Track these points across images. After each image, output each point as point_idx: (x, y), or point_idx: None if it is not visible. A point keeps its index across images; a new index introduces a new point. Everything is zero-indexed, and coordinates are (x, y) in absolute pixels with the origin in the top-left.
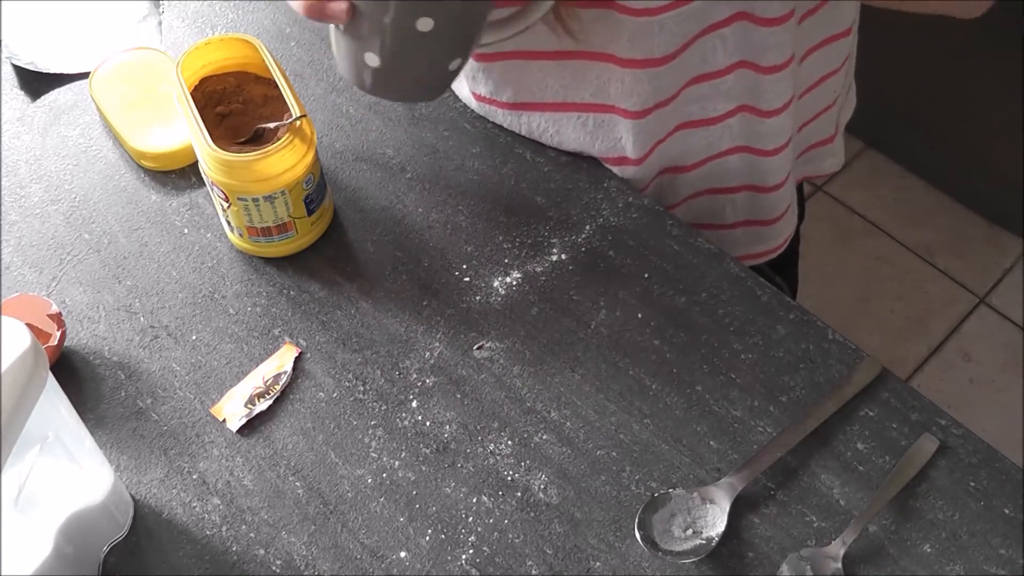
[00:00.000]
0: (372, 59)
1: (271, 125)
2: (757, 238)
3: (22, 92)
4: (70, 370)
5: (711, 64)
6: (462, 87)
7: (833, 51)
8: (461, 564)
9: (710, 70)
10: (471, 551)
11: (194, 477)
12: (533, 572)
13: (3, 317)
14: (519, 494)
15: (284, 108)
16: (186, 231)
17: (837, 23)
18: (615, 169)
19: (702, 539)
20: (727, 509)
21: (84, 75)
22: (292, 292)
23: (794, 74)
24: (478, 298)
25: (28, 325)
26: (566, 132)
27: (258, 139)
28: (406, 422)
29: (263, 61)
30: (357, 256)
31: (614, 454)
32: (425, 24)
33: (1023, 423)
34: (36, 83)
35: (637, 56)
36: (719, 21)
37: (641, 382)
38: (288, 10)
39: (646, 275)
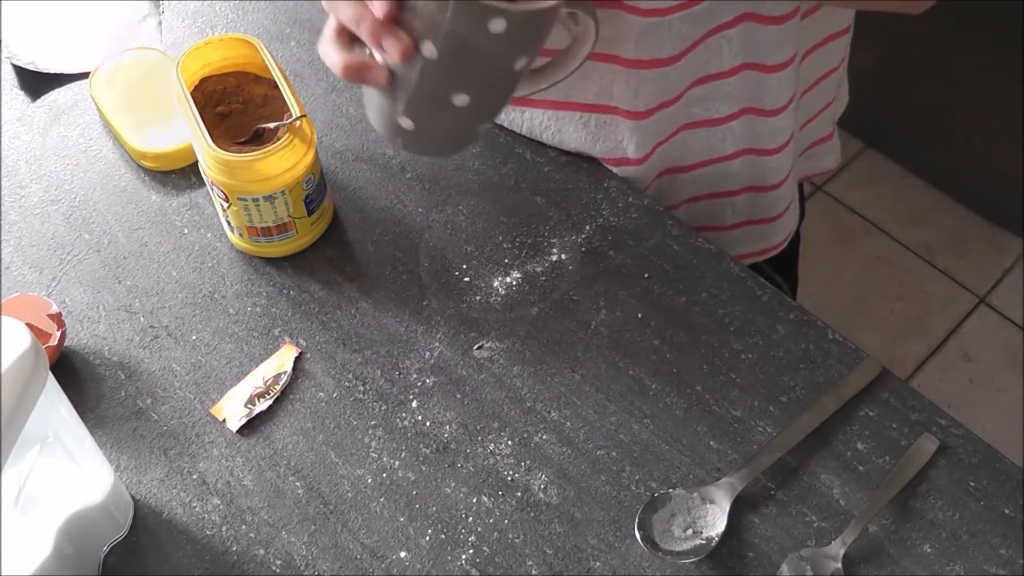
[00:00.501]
0: (406, 123)
1: (271, 125)
2: (758, 236)
3: (22, 92)
4: (70, 370)
5: (716, 65)
6: None
7: (833, 49)
8: (461, 564)
9: (715, 71)
10: (471, 551)
11: (194, 477)
12: (533, 572)
13: (3, 317)
14: (519, 494)
15: (284, 108)
16: (186, 231)
17: (837, 21)
18: (615, 169)
19: (702, 539)
20: (727, 509)
21: (84, 75)
22: (292, 292)
23: (796, 73)
24: (478, 298)
25: (28, 325)
26: (567, 131)
27: (258, 139)
28: (406, 422)
29: (263, 61)
30: (357, 256)
31: (614, 454)
32: (461, 100)
33: (1023, 423)
34: (36, 83)
35: (643, 57)
36: (725, 22)
37: (641, 382)
38: (288, 10)
39: (646, 275)
